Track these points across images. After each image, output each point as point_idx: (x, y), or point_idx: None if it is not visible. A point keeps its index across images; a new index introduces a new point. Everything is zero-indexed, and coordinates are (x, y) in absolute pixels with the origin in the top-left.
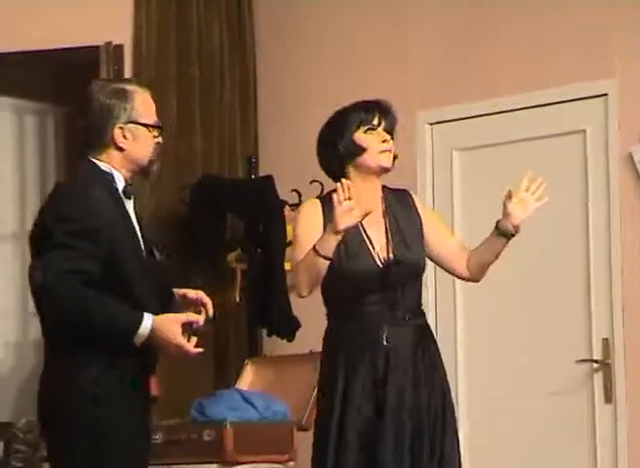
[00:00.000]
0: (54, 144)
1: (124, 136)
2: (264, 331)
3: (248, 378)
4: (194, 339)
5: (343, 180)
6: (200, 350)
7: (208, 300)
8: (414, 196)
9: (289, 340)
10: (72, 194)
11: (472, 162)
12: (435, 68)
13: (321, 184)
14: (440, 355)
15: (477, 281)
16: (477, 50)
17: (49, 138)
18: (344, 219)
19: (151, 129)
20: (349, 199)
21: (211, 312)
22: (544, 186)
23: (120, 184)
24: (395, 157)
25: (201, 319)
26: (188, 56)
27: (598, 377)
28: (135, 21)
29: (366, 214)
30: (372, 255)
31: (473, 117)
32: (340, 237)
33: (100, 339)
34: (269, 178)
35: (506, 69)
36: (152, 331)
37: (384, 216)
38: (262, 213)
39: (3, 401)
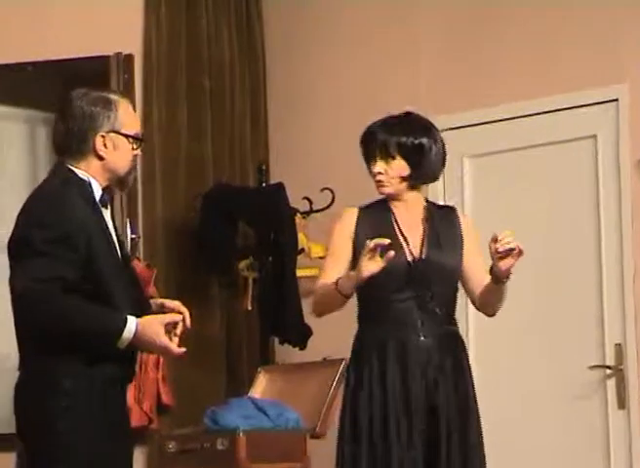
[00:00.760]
0: None
1: (104, 145)
2: (277, 340)
3: (260, 387)
4: (176, 339)
5: (376, 240)
6: (183, 350)
7: (185, 310)
8: (459, 213)
9: (301, 348)
10: (50, 201)
11: (483, 168)
12: (446, 75)
13: (332, 192)
14: (468, 363)
15: (488, 315)
16: (487, 56)
17: None
18: (369, 267)
19: (131, 140)
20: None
21: (188, 322)
22: (512, 237)
23: (97, 193)
24: (408, 178)
25: (180, 318)
26: (199, 65)
27: (611, 383)
28: (145, 31)
29: (388, 260)
30: (403, 251)
31: (484, 124)
32: (362, 282)
33: (83, 346)
34: (280, 186)
35: (517, 75)
36: (136, 333)
37: (424, 223)
38: (274, 220)
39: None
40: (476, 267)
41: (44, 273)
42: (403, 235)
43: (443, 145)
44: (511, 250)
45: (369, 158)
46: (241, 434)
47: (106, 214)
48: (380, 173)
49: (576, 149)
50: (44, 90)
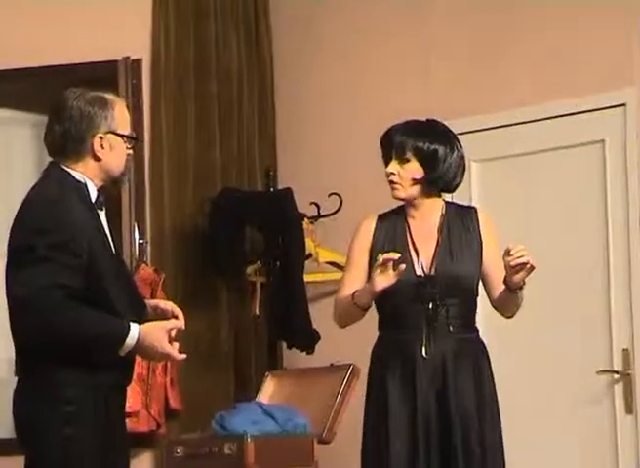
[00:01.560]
0: None
1: (102, 146)
2: (284, 344)
3: (268, 391)
4: (176, 345)
5: (386, 255)
6: (184, 356)
7: (179, 312)
8: (480, 214)
9: (309, 353)
10: (49, 206)
11: (491, 173)
12: (454, 80)
13: (339, 197)
14: (488, 370)
15: (505, 317)
16: (496, 61)
17: None
18: (381, 281)
19: (126, 140)
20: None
21: (182, 324)
22: (525, 251)
23: (93, 194)
24: (419, 181)
25: (182, 324)
26: (207, 70)
27: (619, 388)
28: (153, 36)
29: (400, 273)
30: (412, 266)
31: (492, 128)
32: (377, 295)
33: (84, 353)
34: (288, 191)
35: (525, 80)
36: (138, 340)
37: (439, 232)
38: (281, 225)
39: None
40: (494, 270)
41: (48, 279)
42: (415, 248)
43: (462, 157)
44: (523, 264)
45: (386, 159)
46: (249, 439)
47: (102, 215)
48: (392, 173)
49: (583, 154)
50: (52, 94)
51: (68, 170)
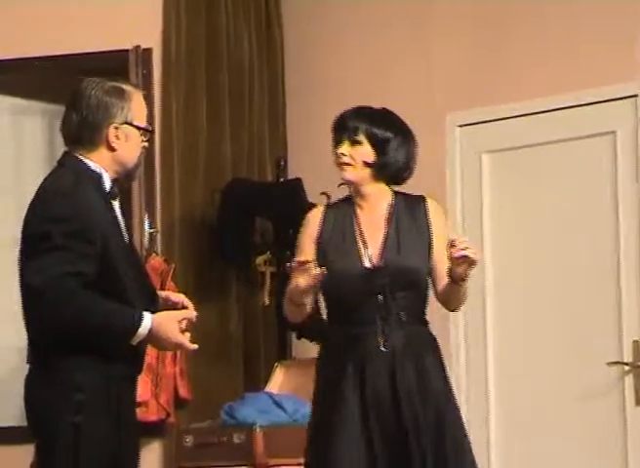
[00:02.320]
0: None
1: (117, 137)
2: (294, 334)
3: (277, 381)
4: (188, 335)
5: (297, 259)
6: (196, 346)
7: (190, 304)
8: (429, 203)
9: (318, 343)
10: (64, 193)
11: (501, 164)
12: (464, 70)
13: (349, 187)
14: (438, 364)
15: (449, 310)
16: (506, 51)
17: None
18: (299, 282)
19: (142, 132)
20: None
21: (194, 316)
22: (468, 243)
23: (107, 185)
24: (374, 164)
25: (194, 314)
26: (218, 61)
27: (629, 380)
28: (164, 26)
29: (321, 275)
30: (360, 257)
31: (502, 119)
32: (308, 291)
33: (96, 342)
34: (298, 181)
35: (536, 71)
36: (151, 329)
37: (388, 223)
38: (291, 215)
39: None
40: (440, 262)
41: (63, 268)
42: (363, 239)
43: (413, 151)
44: (466, 256)
45: (337, 143)
46: (258, 429)
47: (116, 205)
48: (343, 154)
49: (595, 145)
50: (63, 83)
51: (84, 160)
